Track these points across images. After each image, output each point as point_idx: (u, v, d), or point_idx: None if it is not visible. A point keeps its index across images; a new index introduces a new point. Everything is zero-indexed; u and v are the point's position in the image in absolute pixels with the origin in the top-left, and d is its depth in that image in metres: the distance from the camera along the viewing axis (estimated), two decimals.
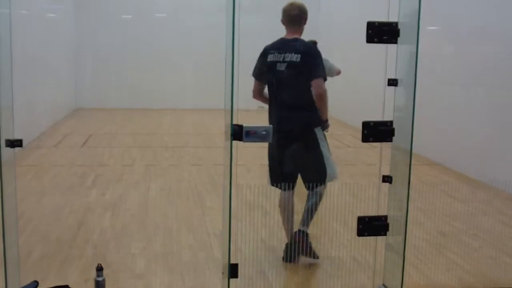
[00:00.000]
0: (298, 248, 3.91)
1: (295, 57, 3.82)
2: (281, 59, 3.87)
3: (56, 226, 4.70)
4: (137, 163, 7.34)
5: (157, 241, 4.42)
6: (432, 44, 6.94)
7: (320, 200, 4.01)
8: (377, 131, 3.00)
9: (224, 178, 2.96)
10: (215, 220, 4.81)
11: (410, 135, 3.06)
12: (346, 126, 8.28)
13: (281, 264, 3.97)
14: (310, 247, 3.93)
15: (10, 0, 2.86)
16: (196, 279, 3.73)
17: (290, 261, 3.96)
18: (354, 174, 6.76)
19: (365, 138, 2.99)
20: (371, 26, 2.92)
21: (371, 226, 3.11)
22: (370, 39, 2.93)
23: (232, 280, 3.05)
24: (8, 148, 2.85)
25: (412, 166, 3.09)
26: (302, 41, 3.97)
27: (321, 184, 3.99)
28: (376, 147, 3.22)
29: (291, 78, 3.86)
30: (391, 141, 3.07)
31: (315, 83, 3.84)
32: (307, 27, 4.03)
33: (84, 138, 9.15)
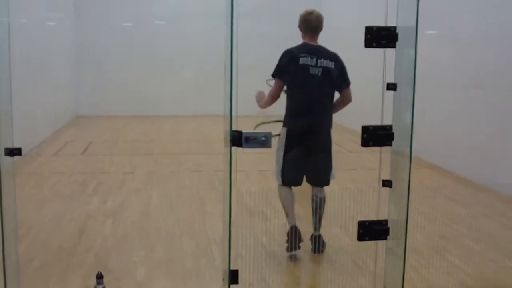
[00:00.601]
0: (318, 248, 4.16)
1: (330, 64, 4.02)
2: (313, 64, 4.00)
3: (57, 234, 4.69)
4: (138, 170, 7.33)
5: (158, 248, 4.42)
6: (430, 48, 6.95)
7: (325, 202, 4.16)
8: (376, 136, 3.00)
9: (224, 184, 2.96)
10: (216, 226, 4.80)
11: (410, 139, 3.06)
12: (346, 131, 8.27)
13: (281, 270, 3.96)
14: (324, 245, 4.20)
15: (8, 9, 2.87)
16: (197, 286, 3.72)
17: (294, 250, 4.04)
18: (354, 179, 6.75)
19: (365, 143, 2.99)
20: (369, 30, 2.92)
21: (372, 230, 3.10)
22: (368, 43, 2.93)
23: (232, 286, 3.04)
24: (8, 157, 2.85)
25: (412, 170, 3.09)
26: (328, 49, 4.13)
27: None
28: (376, 151, 3.22)
29: (324, 83, 4.03)
30: (390, 145, 3.07)
31: (346, 91, 4.14)
32: None
33: (84, 145, 9.16)
